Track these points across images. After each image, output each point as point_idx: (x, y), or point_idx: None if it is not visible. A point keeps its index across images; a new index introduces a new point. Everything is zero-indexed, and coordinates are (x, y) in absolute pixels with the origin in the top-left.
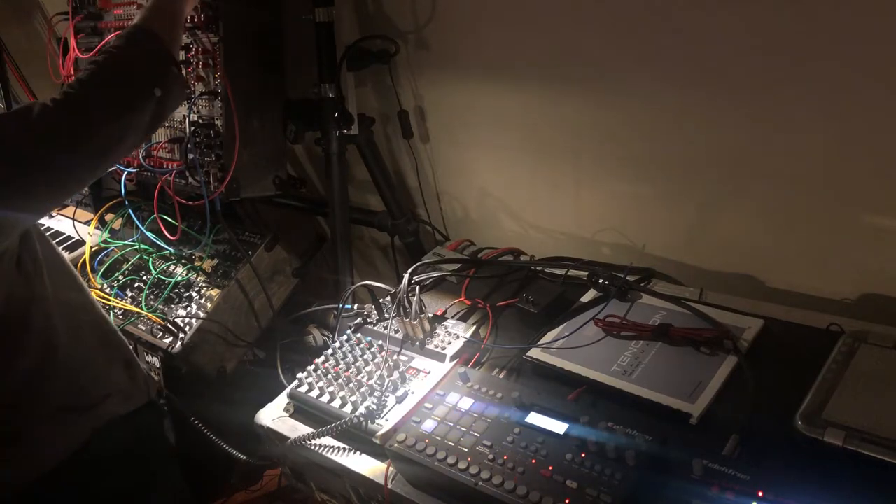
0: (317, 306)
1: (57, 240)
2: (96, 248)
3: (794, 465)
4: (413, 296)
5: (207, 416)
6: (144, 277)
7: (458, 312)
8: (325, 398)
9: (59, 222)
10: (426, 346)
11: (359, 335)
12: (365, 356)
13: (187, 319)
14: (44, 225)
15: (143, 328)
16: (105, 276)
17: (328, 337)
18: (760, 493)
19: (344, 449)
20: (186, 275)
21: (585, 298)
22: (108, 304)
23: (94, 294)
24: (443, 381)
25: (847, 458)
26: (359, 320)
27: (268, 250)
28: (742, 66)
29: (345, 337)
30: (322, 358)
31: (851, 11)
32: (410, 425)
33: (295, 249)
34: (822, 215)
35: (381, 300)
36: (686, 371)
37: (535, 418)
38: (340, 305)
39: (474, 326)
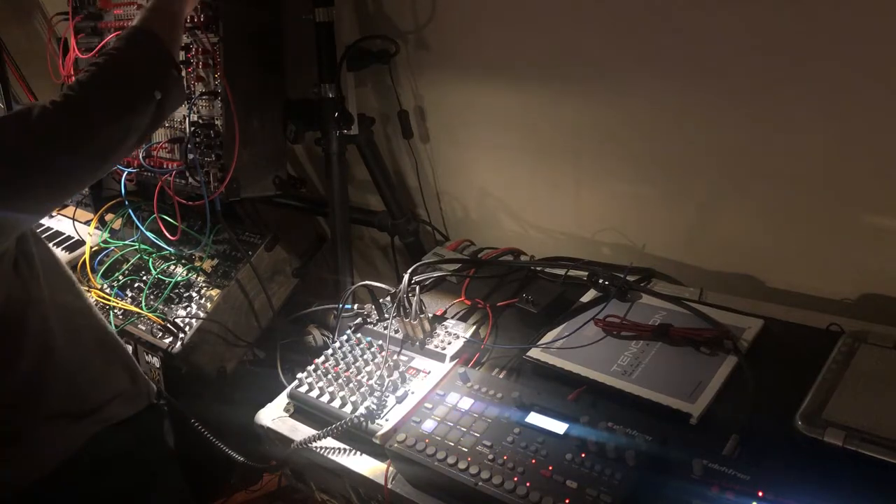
0: (317, 306)
1: (57, 240)
2: (96, 248)
3: (794, 465)
4: (413, 296)
5: (207, 416)
6: (144, 277)
7: (458, 312)
8: (325, 398)
9: (59, 222)
10: (426, 346)
11: (359, 335)
12: (365, 356)
13: (187, 319)
14: (44, 225)
15: (143, 328)
16: (105, 276)
17: (328, 337)
18: (760, 493)
19: (344, 449)
20: (186, 275)
21: (585, 298)
22: (108, 304)
23: (94, 294)
24: (443, 381)
25: (847, 458)
26: (359, 320)
27: (268, 250)
28: (742, 66)
29: (345, 337)
30: (322, 358)
31: (851, 11)
32: (410, 425)
33: (295, 249)
34: (822, 215)
35: (381, 300)
36: (686, 371)
37: (535, 418)
38: (340, 305)
39: (474, 326)
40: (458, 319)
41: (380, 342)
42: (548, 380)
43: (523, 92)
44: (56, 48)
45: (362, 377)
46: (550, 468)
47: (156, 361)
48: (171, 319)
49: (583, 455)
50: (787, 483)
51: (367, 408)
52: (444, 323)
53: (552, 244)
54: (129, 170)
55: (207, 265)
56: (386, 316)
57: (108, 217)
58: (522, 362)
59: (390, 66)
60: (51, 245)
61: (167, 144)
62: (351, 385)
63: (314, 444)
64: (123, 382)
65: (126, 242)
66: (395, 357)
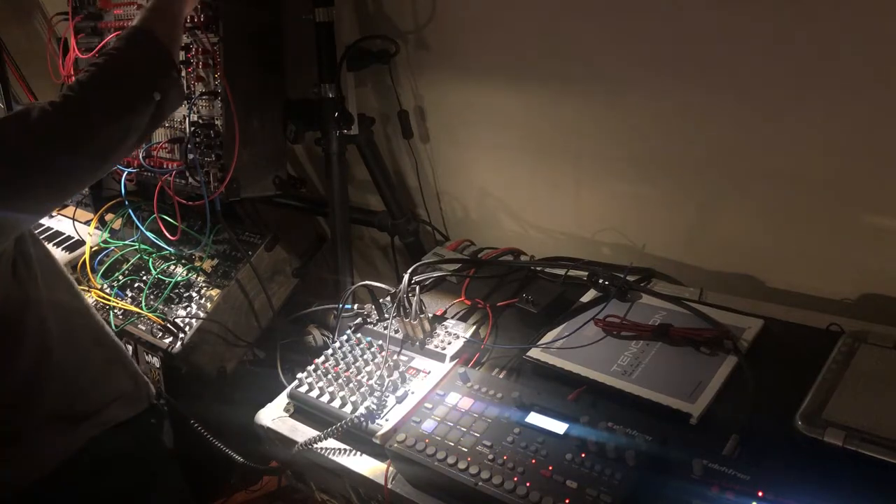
0: (317, 306)
1: (57, 240)
2: (96, 248)
3: (794, 465)
4: (413, 296)
5: (207, 416)
6: (144, 277)
7: (458, 312)
8: (325, 398)
9: (59, 222)
10: (426, 346)
11: (359, 335)
12: (365, 356)
13: (187, 319)
14: (43, 225)
15: (143, 328)
16: (105, 276)
17: (328, 337)
18: (760, 493)
19: (344, 449)
20: (186, 275)
21: (585, 298)
22: (108, 305)
23: (94, 294)
24: (443, 381)
25: (847, 458)
26: (359, 320)
27: (268, 250)
28: (742, 66)
29: (345, 337)
30: (322, 358)
31: (851, 11)
32: (410, 425)
33: (295, 249)
34: (822, 215)
35: (381, 300)
36: (686, 371)
37: (535, 418)
38: (340, 305)
39: (474, 326)
40: (458, 319)
41: (380, 342)
42: (548, 380)
43: (523, 92)
44: (56, 48)
45: (362, 377)
46: (550, 468)
47: (156, 361)
48: (171, 319)
49: (583, 455)
50: (787, 483)
51: (367, 408)
52: (444, 323)
53: (552, 244)
54: (129, 170)
55: (207, 265)
56: (386, 316)
57: (108, 217)
58: (522, 362)
59: (390, 66)
60: (51, 245)
61: (167, 144)
62: (351, 385)
63: (317, 446)
64: (124, 383)
65: (126, 242)
66: (395, 357)
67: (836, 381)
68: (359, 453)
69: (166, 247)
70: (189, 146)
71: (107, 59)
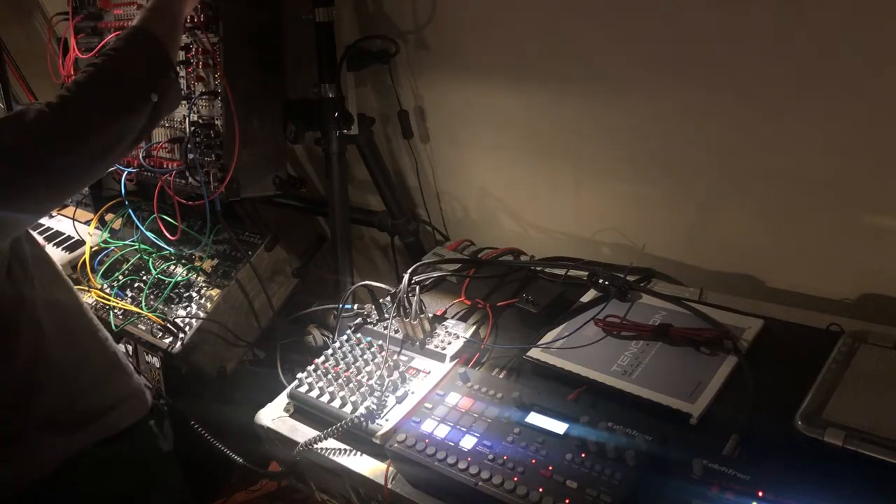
0: (317, 306)
1: (57, 240)
2: (96, 248)
3: (794, 465)
4: (413, 296)
5: (207, 416)
6: (144, 277)
7: (458, 312)
8: (325, 398)
9: (59, 222)
10: (426, 346)
11: (359, 335)
12: (365, 356)
13: (187, 319)
14: (43, 225)
15: (143, 328)
16: (105, 276)
17: (328, 337)
18: (760, 493)
19: (344, 449)
20: (186, 275)
21: (585, 298)
22: (108, 304)
23: (94, 294)
24: (443, 381)
25: (847, 458)
26: (359, 320)
27: (268, 250)
28: (742, 66)
29: (345, 337)
30: (322, 358)
31: (852, 11)
32: (410, 425)
33: (295, 249)
34: (822, 215)
35: (381, 300)
36: (686, 371)
37: (535, 418)
38: (340, 305)
39: (474, 326)
40: (458, 319)
41: (380, 342)
42: (548, 380)
43: (523, 92)
44: (56, 48)
45: (362, 377)
46: (550, 468)
47: (156, 361)
48: (171, 319)
49: (583, 455)
50: (787, 483)
51: (367, 408)
52: (444, 323)
53: (552, 244)
54: (129, 170)
55: (207, 265)
56: (386, 316)
57: (108, 217)
58: (522, 362)
59: (390, 66)
60: (51, 245)
61: (167, 144)
62: (351, 385)
63: (315, 446)
64: (123, 387)
65: (126, 242)
66: (395, 357)
67: (836, 381)
68: (359, 453)
69: (166, 247)
70: (189, 146)
71: (105, 60)
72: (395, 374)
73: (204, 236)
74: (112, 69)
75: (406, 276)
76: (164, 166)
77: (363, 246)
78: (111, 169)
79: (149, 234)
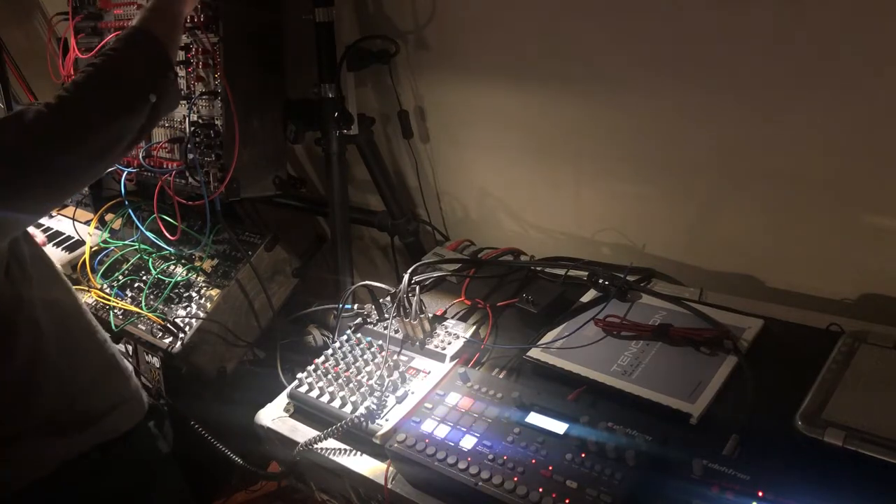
0: (317, 306)
1: (57, 240)
2: (96, 248)
3: (794, 465)
4: (413, 296)
5: (207, 416)
6: (144, 277)
7: (458, 312)
8: (325, 398)
9: (59, 222)
10: (426, 346)
11: (359, 335)
12: (365, 356)
13: (187, 319)
14: (43, 225)
15: (143, 328)
16: (105, 276)
17: (328, 337)
18: (760, 493)
19: (344, 449)
20: (186, 275)
21: (585, 298)
22: (108, 304)
23: (94, 294)
24: (443, 381)
25: (847, 458)
26: (359, 320)
27: (268, 250)
28: (742, 66)
29: (345, 337)
30: (322, 358)
31: (852, 11)
32: (410, 425)
33: (295, 249)
34: (822, 215)
35: (381, 300)
36: (686, 371)
37: (535, 418)
38: (340, 305)
39: (474, 326)
40: (458, 319)
41: (380, 342)
42: (548, 380)
43: (523, 92)
44: (56, 48)
45: (362, 377)
46: (550, 468)
47: (156, 361)
48: (171, 319)
49: (583, 455)
50: (787, 483)
51: (367, 408)
52: (444, 323)
53: (552, 244)
54: (129, 170)
55: (207, 265)
56: (386, 316)
57: (108, 217)
58: (522, 362)
59: (390, 66)
60: (50, 245)
61: (167, 144)
62: (351, 385)
63: (315, 446)
64: (123, 389)
65: (126, 242)
66: (395, 357)
67: (836, 381)
68: (359, 453)
69: (166, 247)
70: (189, 146)
71: (105, 60)
72: (395, 374)
73: (204, 236)
74: (111, 69)
75: (406, 276)
76: (164, 166)
77: (363, 246)
78: (111, 169)
79: (149, 234)
